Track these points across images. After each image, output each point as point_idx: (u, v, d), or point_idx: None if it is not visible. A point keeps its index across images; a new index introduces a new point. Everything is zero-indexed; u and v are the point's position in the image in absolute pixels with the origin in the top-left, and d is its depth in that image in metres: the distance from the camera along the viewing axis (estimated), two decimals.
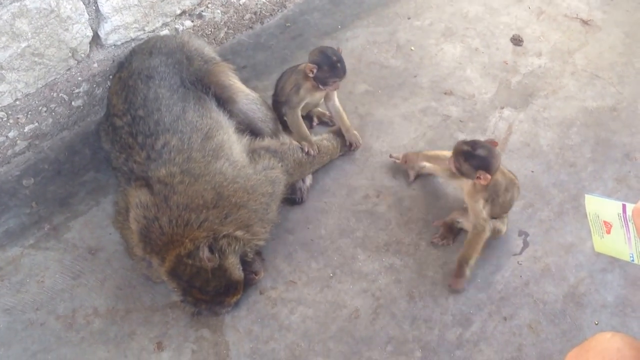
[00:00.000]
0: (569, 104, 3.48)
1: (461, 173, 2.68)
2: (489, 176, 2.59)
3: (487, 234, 2.73)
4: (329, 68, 2.97)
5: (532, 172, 3.16)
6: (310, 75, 2.98)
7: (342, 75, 3.01)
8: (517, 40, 3.81)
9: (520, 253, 2.88)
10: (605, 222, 1.74)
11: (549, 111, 3.44)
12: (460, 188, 2.89)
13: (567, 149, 3.26)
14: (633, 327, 2.62)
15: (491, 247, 2.88)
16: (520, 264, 2.84)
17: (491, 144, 2.66)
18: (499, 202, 2.74)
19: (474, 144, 2.64)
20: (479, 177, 2.60)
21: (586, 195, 1.76)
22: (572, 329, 2.64)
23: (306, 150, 3.03)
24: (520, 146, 3.27)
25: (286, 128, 3.18)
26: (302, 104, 3.11)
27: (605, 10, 4.02)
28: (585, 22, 3.94)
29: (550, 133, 3.34)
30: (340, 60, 2.99)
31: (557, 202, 3.04)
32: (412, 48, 3.80)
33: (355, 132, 3.20)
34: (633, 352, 1.72)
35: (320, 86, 3.03)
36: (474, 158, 2.61)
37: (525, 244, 2.91)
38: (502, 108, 3.46)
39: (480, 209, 2.70)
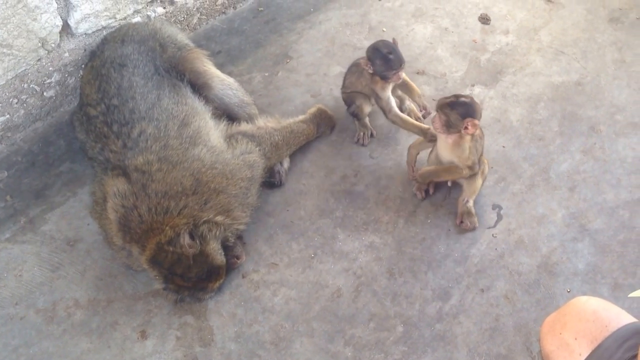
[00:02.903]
0: (536, 79, 3.56)
1: (449, 126, 2.70)
2: (477, 121, 2.65)
3: (478, 168, 2.83)
4: (383, 61, 2.95)
5: (504, 147, 3.23)
6: (369, 70, 2.98)
7: (398, 66, 2.96)
8: (484, 19, 3.88)
9: (495, 226, 2.95)
10: None
11: (518, 87, 3.51)
12: (443, 150, 2.88)
13: (536, 123, 3.34)
14: (603, 293, 2.70)
15: None
16: (495, 237, 2.91)
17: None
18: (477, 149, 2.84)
19: (455, 95, 2.72)
20: (466, 127, 2.65)
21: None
22: (546, 297, 2.71)
23: (427, 136, 2.97)
24: (491, 122, 3.34)
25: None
26: (393, 101, 3.08)
27: None
28: (548, 0, 4.01)
29: (519, 109, 3.41)
30: (392, 51, 2.95)
31: (528, 176, 3.12)
32: (384, 29, 3.83)
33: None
34: (607, 313, 1.80)
35: (382, 80, 3.00)
36: (460, 106, 2.66)
37: (499, 217, 2.98)
38: (473, 86, 3.52)
39: (467, 154, 2.76)
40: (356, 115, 3.23)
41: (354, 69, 3.18)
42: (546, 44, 3.75)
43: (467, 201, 2.92)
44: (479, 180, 2.92)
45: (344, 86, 3.26)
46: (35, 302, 2.73)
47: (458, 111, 2.65)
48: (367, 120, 3.27)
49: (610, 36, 3.77)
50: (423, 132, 2.98)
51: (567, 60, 3.65)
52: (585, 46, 3.73)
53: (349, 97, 3.23)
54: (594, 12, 3.92)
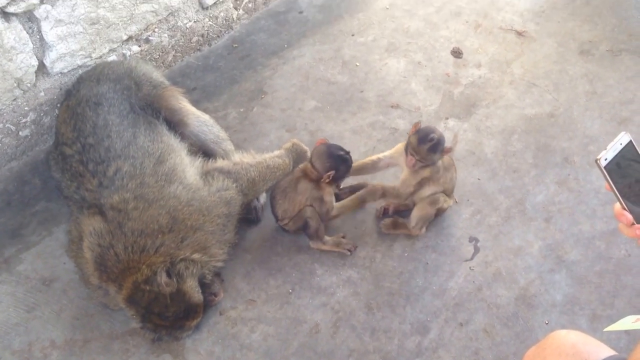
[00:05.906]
0: (510, 112, 3.62)
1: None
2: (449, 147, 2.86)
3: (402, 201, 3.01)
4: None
5: (479, 179, 3.27)
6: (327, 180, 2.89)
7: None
8: (457, 53, 3.95)
9: (472, 259, 2.96)
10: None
11: (491, 120, 3.57)
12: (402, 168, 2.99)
13: (510, 155, 3.39)
14: (582, 324, 2.71)
15: (444, 254, 2.96)
16: (473, 270, 2.92)
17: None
18: (441, 181, 2.92)
19: (425, 133, 2.80)
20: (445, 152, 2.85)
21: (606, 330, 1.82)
22: (524, 330, 2.71)
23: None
24: (465, 155, 3.38)
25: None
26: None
27: (538, 22, 4.20)
28: (520, 34, 4.11)
29: (494, 141, 3.46)
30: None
31: (504, 208, 3.15)
32: (358, 64, 3.89)
33: None
34: (587, 347, 1.79)
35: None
36: (438, 144, 2.80)
37: (476, 250, 3.00)
38: (447, 119, 3.57)
39: (412, 183, 2.89)
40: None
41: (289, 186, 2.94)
42: (518, 77, 3.82)
43: (410, 221, 3.01)
44: (427, 209, 2.97)
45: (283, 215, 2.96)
46: (11, 343, 2.68)
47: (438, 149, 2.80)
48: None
49: (581, 68, 3.85)
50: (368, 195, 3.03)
51: (539, 93, 3.72)
52: (557, 78, 3.80)
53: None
54: (564, 45, 4.01)
